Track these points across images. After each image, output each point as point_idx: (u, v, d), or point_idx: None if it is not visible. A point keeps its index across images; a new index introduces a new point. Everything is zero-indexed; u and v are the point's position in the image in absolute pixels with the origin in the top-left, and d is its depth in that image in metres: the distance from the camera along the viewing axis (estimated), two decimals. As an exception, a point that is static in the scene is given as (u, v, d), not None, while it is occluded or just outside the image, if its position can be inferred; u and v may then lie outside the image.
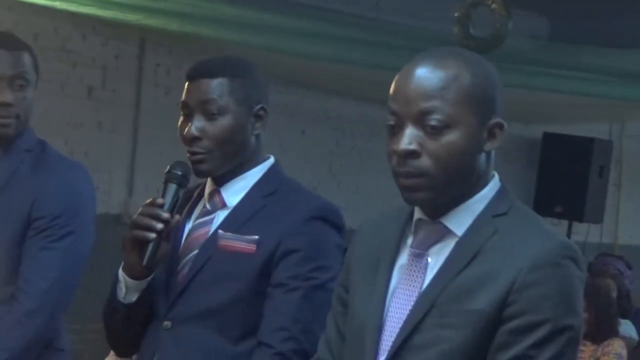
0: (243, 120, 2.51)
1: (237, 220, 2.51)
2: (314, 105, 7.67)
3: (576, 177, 8.83)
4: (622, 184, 10.10)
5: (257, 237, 2.48)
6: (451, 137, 1.91)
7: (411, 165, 1.88)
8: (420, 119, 1.88)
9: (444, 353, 1.91)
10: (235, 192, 2.54)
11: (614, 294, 6.47)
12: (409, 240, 2.01)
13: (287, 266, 2.47)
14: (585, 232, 9.26)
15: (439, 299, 1.94)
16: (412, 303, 1.97)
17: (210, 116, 2.45)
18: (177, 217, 2.38)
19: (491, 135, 1.93)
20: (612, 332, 5.67)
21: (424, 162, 1.88)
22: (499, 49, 6.06)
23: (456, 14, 5.96)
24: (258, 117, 2.53)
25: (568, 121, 9.20)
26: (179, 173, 2.41)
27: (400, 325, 1.97)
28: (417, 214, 1.99)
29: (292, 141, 7.15)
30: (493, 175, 2.02)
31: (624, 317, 6.07)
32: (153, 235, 2.32)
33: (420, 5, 7.32)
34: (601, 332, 5.66)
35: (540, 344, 1.89)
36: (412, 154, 1.87)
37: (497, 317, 1.90)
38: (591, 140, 8.87)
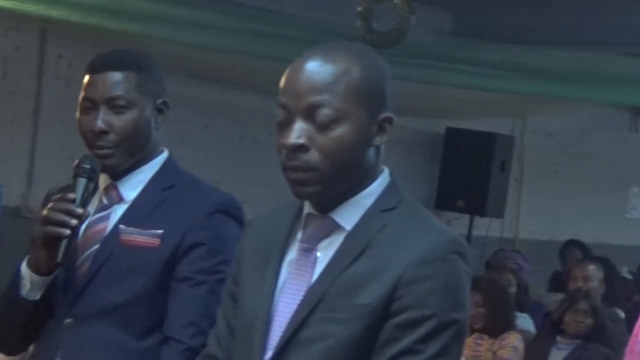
0: (148, 114, 2.51)
1: (139, 215, 2.50)
2: (216, 98, 7.67)
3: (478, 171, 8.94)
4: (524, 179, 10.26)
5: (161, 231, 2.48)
6: (340, 131, 1.92)
7: (300, 159, 1.89)
8: (309, 113, 1.90)
9: (330, 348, 1.93)
10: (132, 187, 2.53)
11: (513, 289, 6.68)
12: (299, 235, 2.02)
13: (192, 260, 2.47)
14: (486, 227, 9.43)
15: (327, 293, 1.95)
16: (301, 298, 1.99)
17: (117, 110, 2.43)
18: (87, 211, 2.36)
19: (381, 129, 1.95)
20: (509, 325, 5.79)
21: (313, 156, 1.89)
22: (402, 43, 6.14)
23: (359, 8, 6.00)
24: (160, 111, 2.54)
25: (471, 116, 9.24)
26: (88, 167, 2.38)
27: (288, 321, 1.99)
28: (307, 208, 2.00)
29: (195, 135, 7.17)
30: (382, 170, 2.05)
31: (522, 310, 6.24)
32: (67, 231, 2.29)
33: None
34: (498, 326, 5.77)
35: (426, 338, 1.91)
36: (301, 148, 1.88)
37: (384, 312, 1.92)
38: (493, 135, 9.02)
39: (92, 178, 2.38)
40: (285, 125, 1.93)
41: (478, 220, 9.27)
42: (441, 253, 1.96)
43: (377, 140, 1.96)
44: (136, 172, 2.54)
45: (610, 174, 10.72)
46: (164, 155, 2.59)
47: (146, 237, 2.50)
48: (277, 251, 2.03)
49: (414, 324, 1.91)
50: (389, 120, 1.96)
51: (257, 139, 7.74)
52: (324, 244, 1.98)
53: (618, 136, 10.64)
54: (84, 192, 2.36)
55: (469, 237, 8.98)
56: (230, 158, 7.38)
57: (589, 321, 5.40)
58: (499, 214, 9.31)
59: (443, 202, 9.13)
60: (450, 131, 9.21)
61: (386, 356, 1.93)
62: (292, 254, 2.02)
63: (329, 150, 1.90)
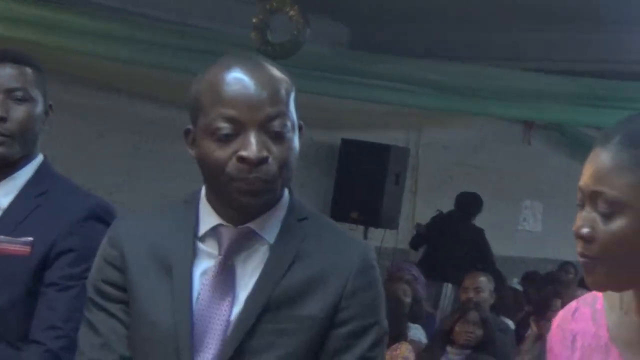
0: (41, 113, 2.56)
1: (11, 222, 2.52)
2: (112, 107, 7.57)
3: (373, 183, 9.07)
4: (418, 191, 10.43)
5: (31, 239, 2.49)
6: (294, 140, 1.97)
7: (261, 170, 1.92)
8: (263, 125, 1.93)
9: (279, 358, 1.98)
10: (6, 193, 2.56)
11: (408, 299, 6.74)
12: (205, 246, 2.04)
13: (61, 266, 2.50)
14: (380, 238, 9.36)
15: (269, 304, 1.99)
16: (227, 309, 2.02)
17: (17, 101, 2.48)
18: None
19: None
20: (401, 336, 5.83)
21: (272, 167, 1.92)
22: (298, 55, 6.20)
23: (254, 20, 6.07)
24: (46, 113, 2.59)
25: (366, 128, 9.41)
26: None
27: (219, 332, 2.01)
28: (214, 220, 2.02)
29: (90, 144, 7.10)
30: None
31: (415, 321, 6.33)
32: None
33: (219, 10, 7.48)
34: (391, 336, 5.65)
35: (373, 346, 1.99)
36: (264, 160, 1.92)
37: (329, 322, 1.98)
38: (388, 147, 9.14)
39: None
40: (231, 139, 1.95)
41: (372, 231, 9.32)
42: (370, 262, 2.05)
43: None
44: (10, 177, 2.55)
45: (504, 187, 10.94)
46: (39, 159, 2.61)
47: (17, 245, 2.50)
48: (182, 262, 2.05)
49: (362, 332, 1.99)
50: (300, 127, 2.03)
51: (153, 149, 7.70)
52: (242, 255, 2.02)
53: (511, 149, 10.84)
54: None
55: None
56: (125, 167, 7.30)
57: (478, 332, 5.51)
58: (393, 225, 9.41)
59: (338, 213, 8.97)
60: (345, 142, 9.35)
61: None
62: (203, 265, 2.04)
63: (285, 160, 1.94)
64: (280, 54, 5.95)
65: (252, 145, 1.92)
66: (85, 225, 2.54)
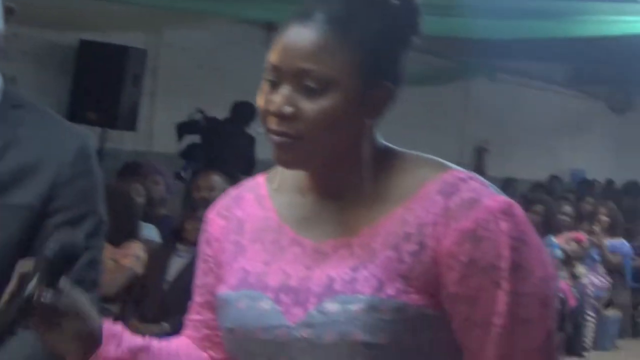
0: None
1: None
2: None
3: (110, 85, 9.08)
4: (158, 93, 10.50)
5: None
6: None
7: None
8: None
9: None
10: None
11: (141, 199, 6.93)
12: None
13: None
14: (119, 139, 9.64)
15: None
16: None
17: None
18: None
19: None
20: (132, 234, 6.03)
21: None
22: None
23: None
24: None
25: (105, 29, 9.35)
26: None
27: None
28: None
29: None
30: None
31: (149, 221, 6.56)
32: None
33: None
34: (120, 234, 5.91)
35: (90, 235, 2.00)
36: None
37: (43, 210, 1.99)
38: (126, 48, 9.16)
39: None
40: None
41: (110, 133, 9.46)
42: (88, 151, 2.09)
43: None
44: None
45: (244, 89, 11.03)
46: None
47: None
48: None
49: (76, 221, 2.01)
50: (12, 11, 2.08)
51: None
52: None
53: (253, 52, 10.65)
54: None
55: (101, 150, 9.08)
56: None
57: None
58: (131, 127, 9.51)
59: (74, 114, 8.88)
60: (83, 44, 9.27)
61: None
62: None
63: None
64: None
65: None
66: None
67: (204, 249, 1.93)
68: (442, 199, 1.72)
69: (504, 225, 1.68)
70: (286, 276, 1.79)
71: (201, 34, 10.59)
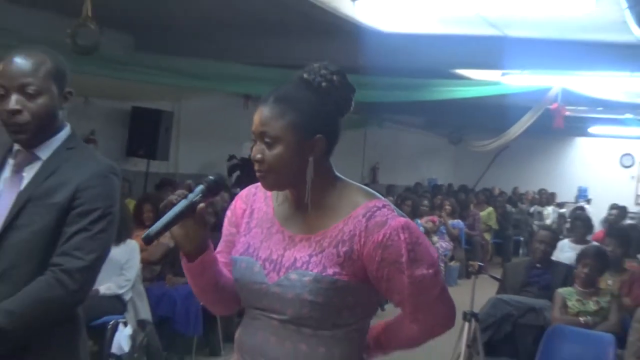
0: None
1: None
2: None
3: (151, 133, 10.72)
4: (180, 137, 11.97)
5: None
6: (40, 100, 2.41)
7: (17, 119, 2.40)
8: (20, 89, 2.37)
9: (36, 230, 2.40)
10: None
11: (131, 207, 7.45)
12: (11, 161, 2.51)
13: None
14: (157, 166, 11.26)
15: (32, 197, 2.40)
16: (13, 201, 2.43)
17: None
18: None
19: (65, 99, 2.50)
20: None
21: (25, 117, 2.38)
22: (98, 53, 6.73)
23: (68, 30, 6.50)
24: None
25: (147, 99, 10.87)
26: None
27: (4, 214, 2.39)
28: (16, 146, 2.47)
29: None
30: (66, 125, 2.51)
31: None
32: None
33: (45, 22, 7.89)
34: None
35: (94, 222, 2.44)
36: (18, 112, 2.31)
37: (68, 207, 2.40)
38: (160, 111, 10.86)
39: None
40: (2, 98, 2.32)
41: (152, 162, 11.04)
42: (103, 172, 2.47)
43: (63, 104, 2.49)
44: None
45: (231, 135, 12.10)
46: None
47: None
48: None
49: (87, 213, 2.42)
50: (70, 93, 2.47)
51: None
52: (27, 168, 2.48)
53: (236, 111, 12.00)
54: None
55: (146, 172, 11.01)
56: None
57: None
58: (165, 158, 11.13)
59: (130, 151, 10.75)
60: (134, 108, 10.84)
61: (68, 233, 2.42)
62: (6, 173, 2.51)
63: (36, 113, 2.34)
64: (85, 53, 6.54)
65: (9, 102, 2.33)
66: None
67: (229, 216, 2.34)
68: (365, 220, 2.08)
69: (402, 236, 2.06)
70: (270, 252, 2.17)
71: (205, 101, 11.89)
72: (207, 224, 2.18)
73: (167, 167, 11.86)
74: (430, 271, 2.13)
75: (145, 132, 10.70)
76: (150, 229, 2.14)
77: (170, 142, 11.20)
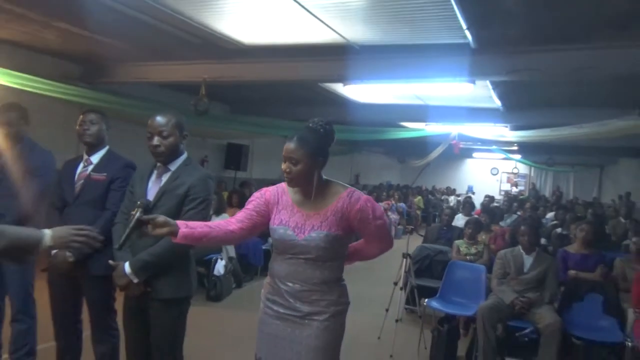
0: (103, 128, 3.88)
1: (99, 168, 3.84)
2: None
3: (238, 156, 13.68)
4: (253, 159, 14.62)
5: (105, 174, 3.84)
6: (174, 138, 3.34)
7: (158, 148, 3.35)
8: (160, 133, 3.34)
9: (169, 210, 3.44)
10: (96, 158, 3.89)
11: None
12: (155, 171, 3.59)
13: (116, 182, 3.99)
14: (241, 174, 13.97)
15: (165, 190, 3.42)
16: (157, 191, 3.56)
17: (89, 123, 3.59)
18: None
19: (184, 137, 3.53)
20: (223, 209, 7.47)
21: (161, 148, 3.37)
22: (208, 114, 8.60)
23: (192, 102, 8.39)
24: (107, 128, 3.70)
25: (234, 138, 13.73)
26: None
27: (152, 200, 3.46)
28: (158, 164, 3.54)
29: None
30: (184, 152, 3.48)
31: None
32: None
33: (173, 98, 10.33)
34: (221, 209, 7.59)
35: (199, 204, 3.49)
36: (158, 147, 3.23)
37: (185, 196, 3.54)
38: (241, 145, 13.95)
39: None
40: (150, 138, 3.28)
41: (239, 172, 13.96)
42: (204, 177, 3.55)
43: (183, 141, 3.51)
44: (97, 152, 3.94)
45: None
46: (107, 147, 3.79)
47: (100, 175, 3.93)
48: (145, 176, 3.54)
49: (192, 200, 3.49)
50: (186, 135, 3.45)
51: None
52: (163, 175, 3.46)
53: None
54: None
55: (234, 177, 13.98)
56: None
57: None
58: (245, 169, 13.93)
59: (227, 166, 13.82)
60: (229, 144, 14.06)
61: (185, 210, 3.48)
62: (153, 177, 3.54)
63: (168, 146, 3.27)
64: (201, 113, 8.33)
65: (153, 141, 3.27)
66: (125, 169, 3.95)
67: (260, 197, 3.28)
68: (348, 199, 3.06)
69: (369, 205, 3.03)
70: (296, 223, 3.14)
71: (266, 139, 14.94)
72: (156, 227, 3.13)
73: (246, 174, 15.24)
74: (382, 221, 3.30)
75: (234, 155, 14.46)
76: (120, 241, 3.09)
77: (248, 161, 14.84)
